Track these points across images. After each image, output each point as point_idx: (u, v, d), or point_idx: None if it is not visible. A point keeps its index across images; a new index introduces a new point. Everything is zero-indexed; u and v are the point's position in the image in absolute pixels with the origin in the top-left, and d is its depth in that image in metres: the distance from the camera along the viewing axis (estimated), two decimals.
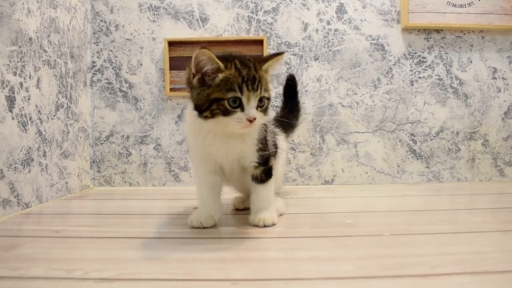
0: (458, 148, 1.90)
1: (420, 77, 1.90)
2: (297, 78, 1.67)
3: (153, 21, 1.89)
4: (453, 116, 1.90)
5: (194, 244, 0.92)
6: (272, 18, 1.88)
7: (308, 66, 1.88)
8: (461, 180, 1.90)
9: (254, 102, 0.94)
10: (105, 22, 1.90)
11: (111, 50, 1.89)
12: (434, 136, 1.90)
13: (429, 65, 1.90)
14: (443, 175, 1.90)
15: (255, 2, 1.88)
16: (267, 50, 1.85)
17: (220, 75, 0.94)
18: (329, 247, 0.89)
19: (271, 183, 1.10)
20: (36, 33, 1.46)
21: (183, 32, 1.88)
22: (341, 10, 1.89)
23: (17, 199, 1.33)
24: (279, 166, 1.21)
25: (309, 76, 1.88)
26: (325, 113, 1.88)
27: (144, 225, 1.13)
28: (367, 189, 1.76)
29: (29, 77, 1.41)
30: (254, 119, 0.93)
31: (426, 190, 1.73)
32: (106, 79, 1.90)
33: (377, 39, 1.89)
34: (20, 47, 1.36)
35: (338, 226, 1.08)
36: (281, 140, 1.20)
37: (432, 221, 1.16)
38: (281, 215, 1.19)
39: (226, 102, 0.93)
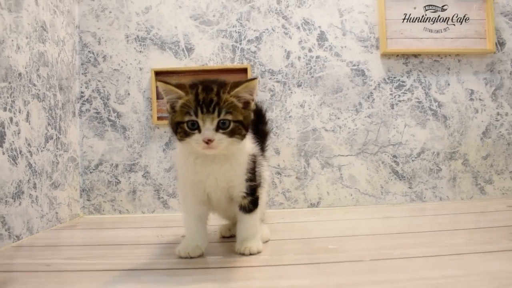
0: (439, 168, 1.96)
1: (400, 101, 1.96)
2: (281, 105, 1.71)
3: (140, 51, 1.94)
4: (433, 137, 1.97)
5: (181, 276, 0.96)
6: (256, 46, 1.95)
7: (291, 92, 1.94)
8: (443, 199, 1.96)
9: (210, 124, 0.98)
10: (93, 53, 1.94)
11: (99, 81, 1.94)
12: (415, 157, 1.96)
13: (408, 88, 1.97)
14: (426, 195, 1.95)
15: (238, 32, 1.94)
16: None
17: (180, 101, 1.02)
18: (309, 275, 0.92)
19: (257, 213, 1.14)
20: (25, 68, 1.50)
21: (169, 62, 1.94)
22: (322, 37, 1.96)
23: (8, 232, 1.35)
24: (263, 194, 1.25)
25: (292, 102, 1.93)
26: (309, 137, 1.93)
27: (133, 256, 1.16)
28: (351, 211, 1.80)
29: (19, 112, 1.45)
30: (210, 140, 0.97)
31: (410, 210, 1.77)
32: (95, 108, 1.94)
33: (358, 65, 1.96)
34: (9, 83, 1.40)
35: (321, 252, 1.12)
36: (265, 169, 1.24)
37: (412, 244, 1.20)
38: (266, 241, 1.23)
39: (185, 125, 1.00)
